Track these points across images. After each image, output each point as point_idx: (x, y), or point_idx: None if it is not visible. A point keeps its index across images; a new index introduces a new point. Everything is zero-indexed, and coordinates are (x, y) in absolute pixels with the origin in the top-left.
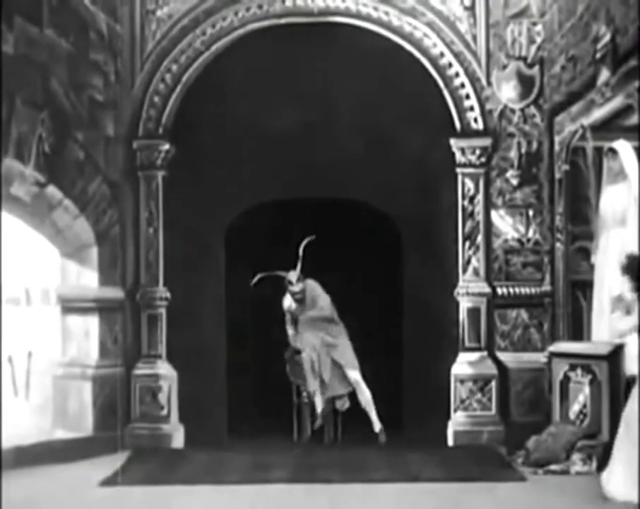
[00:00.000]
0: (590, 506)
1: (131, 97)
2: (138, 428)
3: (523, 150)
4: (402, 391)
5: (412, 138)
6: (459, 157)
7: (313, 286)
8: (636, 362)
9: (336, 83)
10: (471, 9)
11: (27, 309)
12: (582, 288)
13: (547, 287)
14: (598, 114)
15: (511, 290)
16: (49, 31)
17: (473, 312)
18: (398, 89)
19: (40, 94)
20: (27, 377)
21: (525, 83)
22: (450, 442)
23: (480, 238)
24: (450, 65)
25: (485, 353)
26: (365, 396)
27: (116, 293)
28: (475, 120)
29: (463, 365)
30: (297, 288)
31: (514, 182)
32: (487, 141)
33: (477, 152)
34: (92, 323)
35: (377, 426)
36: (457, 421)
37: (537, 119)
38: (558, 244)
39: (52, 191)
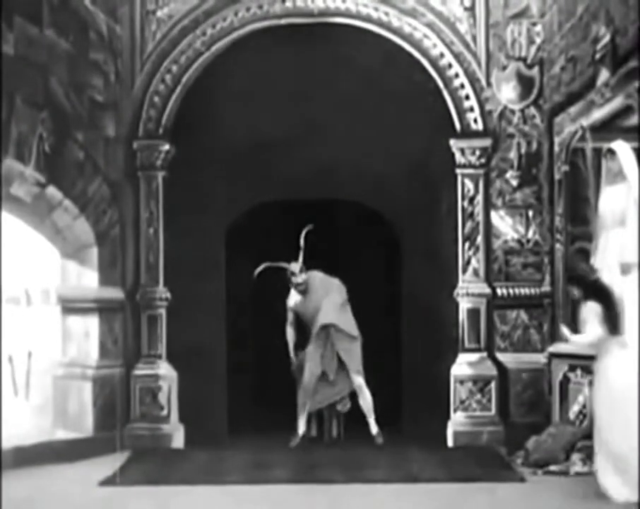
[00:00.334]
0: (590, 506)
1: (131, 97)
2: (138, 428)
3: (523, 150)
4: (402, 391)
5: (412, 139)
6: (459, 157)
7: (319, 276)
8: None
9: (336, 83)
10: (471, 10)
11: (27, 309)
12: None
13: (546, 288)
14: (598, 114)
15: (510, 290)
16: (49, 31)
17: (473, 313)
18: (397, 89)
19: (40, 94)
20: (27, 377)
21: (525, 84)
22: (450, 442)
23: (479, 239)
24: (450, 66)
25: (485, 354)
26: (367, 401)
27: (116, 293)
28: (475, 121)
29: (463, 365)
30: (299, 278)
31: (514, 182)
32: (486, 142)
33: (477, 153)
34: (92, 323)
35: (374, 429)
36: (457, 422)
37: (537, 120)
38: (558, 245)
39: (52, 191)
